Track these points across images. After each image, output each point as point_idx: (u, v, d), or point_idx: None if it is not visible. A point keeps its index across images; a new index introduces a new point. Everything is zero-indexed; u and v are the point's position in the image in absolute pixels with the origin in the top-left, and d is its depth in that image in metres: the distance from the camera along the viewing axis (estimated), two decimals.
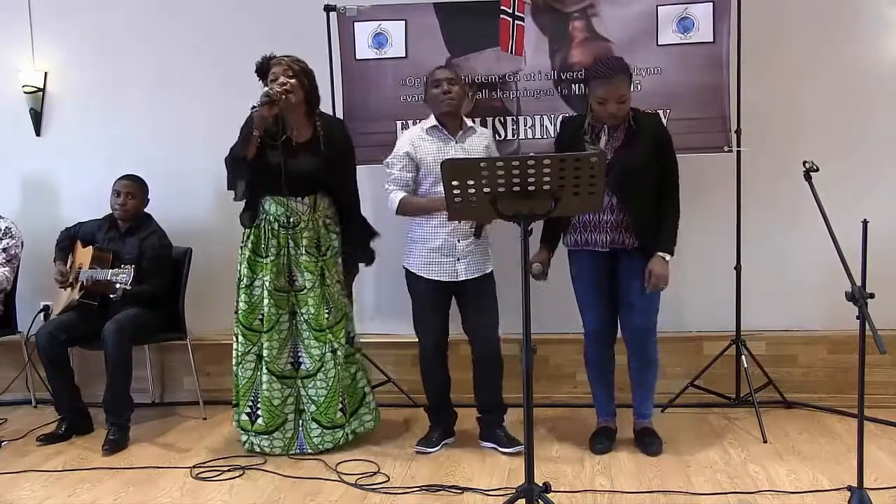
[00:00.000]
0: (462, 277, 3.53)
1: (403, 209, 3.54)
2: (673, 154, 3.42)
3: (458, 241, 3.50)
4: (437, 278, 3.54)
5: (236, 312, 3.65)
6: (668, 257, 3.36)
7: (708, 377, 4.07)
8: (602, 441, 3.55)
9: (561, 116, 3.83)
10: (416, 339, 3.66)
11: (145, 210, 4.20)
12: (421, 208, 3.52)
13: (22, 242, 4.34)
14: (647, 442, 3.50)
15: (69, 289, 4.07)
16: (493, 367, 3.58)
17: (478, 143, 3.61)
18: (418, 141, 3.57)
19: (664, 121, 3.71)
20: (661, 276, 3.34)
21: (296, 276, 3.58)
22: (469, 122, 3.66)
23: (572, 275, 3.55)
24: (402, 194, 3.53)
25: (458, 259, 3.52)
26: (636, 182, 3.33)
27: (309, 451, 3.61)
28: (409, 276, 3.61)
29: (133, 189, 4.10)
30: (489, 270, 3.58)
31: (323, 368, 3.57)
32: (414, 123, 3.92)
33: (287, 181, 3.47)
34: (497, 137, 3.93)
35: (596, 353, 3.58)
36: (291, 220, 3.55)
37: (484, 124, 3.92)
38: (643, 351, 3.50)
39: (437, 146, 3.55)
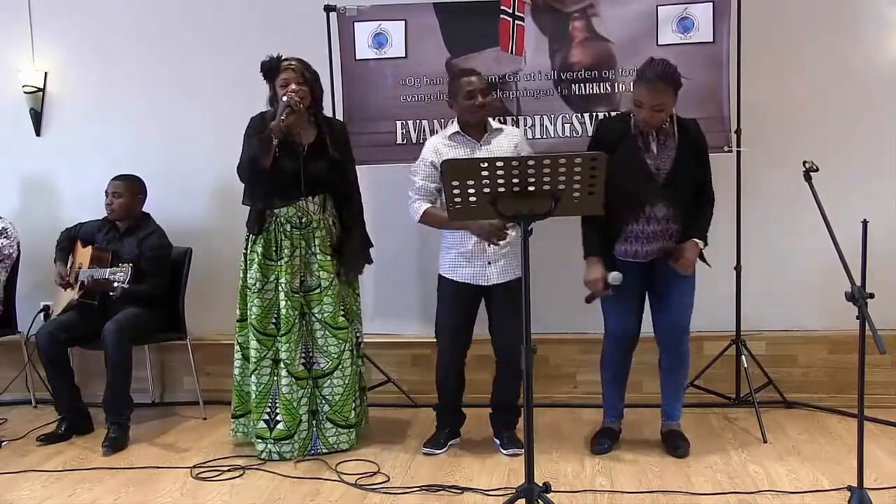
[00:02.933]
0: (493, 281, 3.49)
1: (426, 220, 3.52)
2: (708, 163, 3.44)
3: (489, 245, 3.45)
4: (465, 280, 3.51)
5: (242, 319, 3.63)
6: (701, 245, 3.36)
7: (708, 377, 4.07)
8: (603, 441, 3.54)
9: (565, 119, 3.83)
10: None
11: (144, 210, 4.20)
12: (445, 224, 3.46)
13: (18, 243, 4.34)
14: (675, 444, 3.48)
15: (69, 289, 4.08)
16: (514, 373, 3.53)
17: (505, 143, 3.52)
18: (443, 148, 3.52)
19: None
20: (689, 259, 3.33)
21: (305, 276, 3.56)
22: (495, 124, 3.58)
23: None
24: (426, 205, 3.50)
25: (490, 262, 3.48)
26: (689, 191, 3.35)
27: (324, 451, 3.60)
28: (440, 280, 3.58)
29: (120, 189, 4.09)
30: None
31: (340, 366, 3.57)
32: (414, 123, 3.93)
33: (307, 181, 3.46)
34: None
35: (617, 355, 3.55)
36: (303, 220, 3.54)
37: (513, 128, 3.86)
38: (678, 351, 3.49)
39: (464, 152, 3.50)
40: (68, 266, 4.14)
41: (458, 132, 3.54)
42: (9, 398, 4.50)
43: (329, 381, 3.59)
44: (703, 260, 3.44)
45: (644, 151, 3.32)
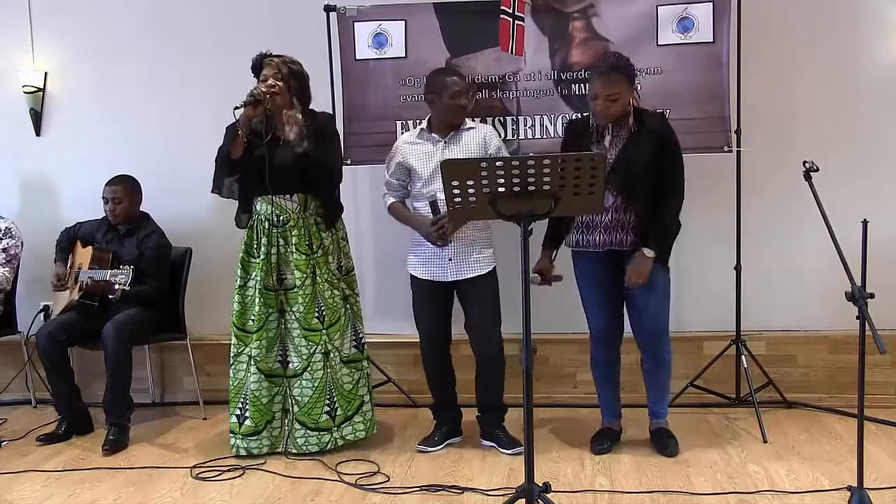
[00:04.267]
0: (452, 278, 3.54)
1: (392, 214, 3.70)
2: (677, 156, 3.35)
3: (449, 242, 3.51)
4: (429, 278, 3.58)
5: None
6: (650, 254, 3.28)
7: (708, 377, 4.07)
8: (603, 442, 3.54)
9: (565, 119, 3.84)
10: (416, 340, 3.68)
11: (142, 209, 4.20)
12: (403, 221, 3.65)
13: (22, 242, 4.34)
14: (664, 443, 3.48)
15: (68, 290, 4.08)
16: (491, 368, 3.58)
17: (473, 141, 3.55)
18: (406, 147, 3.63)
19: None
20: (634, 271, 3.28)
21: (285, 274, 3.57)
22: (468, 123, 3.62)
23: (576, 275, 3.54)
24: (391, 199, 3.68)
25: (450, 259, 3.53)
26: (639, 182, 3.30)
27: (293, 451, 3.59)
28: (411, 278, 3.65)
29: (120, 193, 4.08)
30: (486, 270, 3.55)
31: (310, 368, 3.55)
32: (414, 124, 3.93)
33: (272, 177, 3.45)
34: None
35: (601, 353, 3.57)
36: (281, 218, 3.55)
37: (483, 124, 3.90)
38: (656, 352, 3.49)
39: (425, 149, 3.57)
40: (68, 266, 4.14)
41: (424, 130, 3.61)
42: (9, 398, 4.50)
43: (299, 381, 3.58)
44: (662, 264, 3.37)
45: (595, 143, 3.34)
